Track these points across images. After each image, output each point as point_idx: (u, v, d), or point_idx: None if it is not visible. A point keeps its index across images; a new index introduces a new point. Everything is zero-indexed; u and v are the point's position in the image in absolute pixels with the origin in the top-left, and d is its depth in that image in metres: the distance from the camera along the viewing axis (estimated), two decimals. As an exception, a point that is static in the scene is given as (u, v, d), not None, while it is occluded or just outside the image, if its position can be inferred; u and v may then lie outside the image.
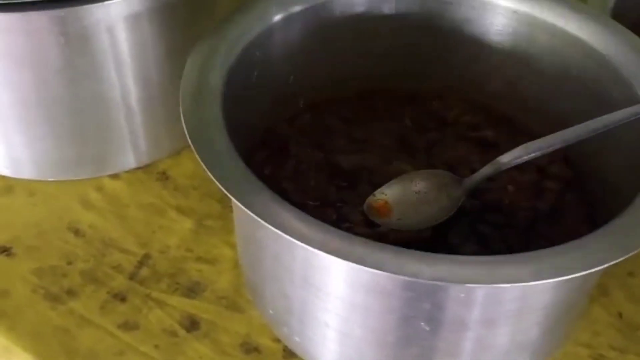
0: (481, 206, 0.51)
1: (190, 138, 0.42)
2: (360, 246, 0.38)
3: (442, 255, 0.38)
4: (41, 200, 0.57)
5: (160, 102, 0.57)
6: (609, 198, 0.49)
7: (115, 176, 0.59)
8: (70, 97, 0.53)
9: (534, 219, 0.51)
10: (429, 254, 0.38)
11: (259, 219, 0.38)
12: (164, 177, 0.60)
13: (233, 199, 0.39)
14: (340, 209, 0.50)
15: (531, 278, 0.38)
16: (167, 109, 0.57)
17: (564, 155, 0.53)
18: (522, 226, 0.50)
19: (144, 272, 0.53)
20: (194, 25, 0.55)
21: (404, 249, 0.38)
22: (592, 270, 0.38)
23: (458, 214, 0.48)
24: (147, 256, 0.54)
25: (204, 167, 0.40)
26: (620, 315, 0.52)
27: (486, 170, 0.48)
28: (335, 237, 0.38)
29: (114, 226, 0.56)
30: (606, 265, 0.38)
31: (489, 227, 0.50)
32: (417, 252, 0.38)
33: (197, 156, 0.41)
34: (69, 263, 0.53)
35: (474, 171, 0.49)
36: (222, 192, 0.40)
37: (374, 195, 0.49)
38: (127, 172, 0.59)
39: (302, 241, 0.38)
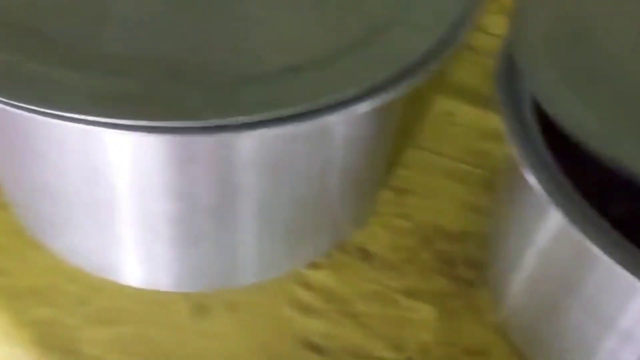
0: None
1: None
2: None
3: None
4: (249, 314, 0.46)
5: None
6: None
7: (314, 265, 0.49)
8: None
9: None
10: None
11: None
12: (366, 255, 0.50)
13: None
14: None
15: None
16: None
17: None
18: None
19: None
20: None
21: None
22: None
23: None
24: (410, 360, 0.45)
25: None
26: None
27: None
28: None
29: (351, 330, 0.45)
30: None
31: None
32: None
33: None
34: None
35: None
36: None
37: None
38: (325, 257, 0.49)
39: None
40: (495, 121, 0.63)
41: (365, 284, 0.48)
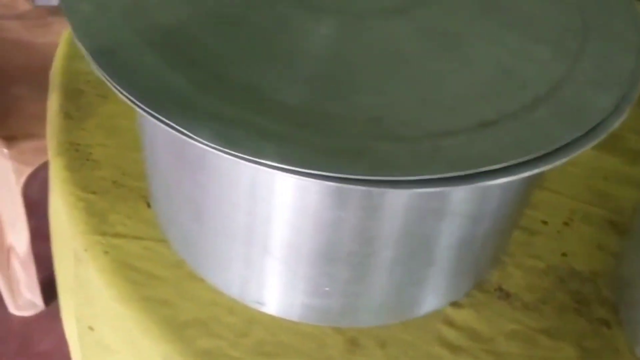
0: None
1: None
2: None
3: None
4: (399, 350, 0.48)
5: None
6: None
7: (456, 304, 0.50)
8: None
9: None
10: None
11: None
12: (505, 294, 0.51)
13: None
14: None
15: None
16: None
17: None
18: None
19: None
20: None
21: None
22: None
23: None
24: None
25: None
26: None
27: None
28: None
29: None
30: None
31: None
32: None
33: None
34: None
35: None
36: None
37: None
38: (465, 296, 0.51)
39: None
40: (610, 162, 0.65)
41: (507, 324, 0.49)
